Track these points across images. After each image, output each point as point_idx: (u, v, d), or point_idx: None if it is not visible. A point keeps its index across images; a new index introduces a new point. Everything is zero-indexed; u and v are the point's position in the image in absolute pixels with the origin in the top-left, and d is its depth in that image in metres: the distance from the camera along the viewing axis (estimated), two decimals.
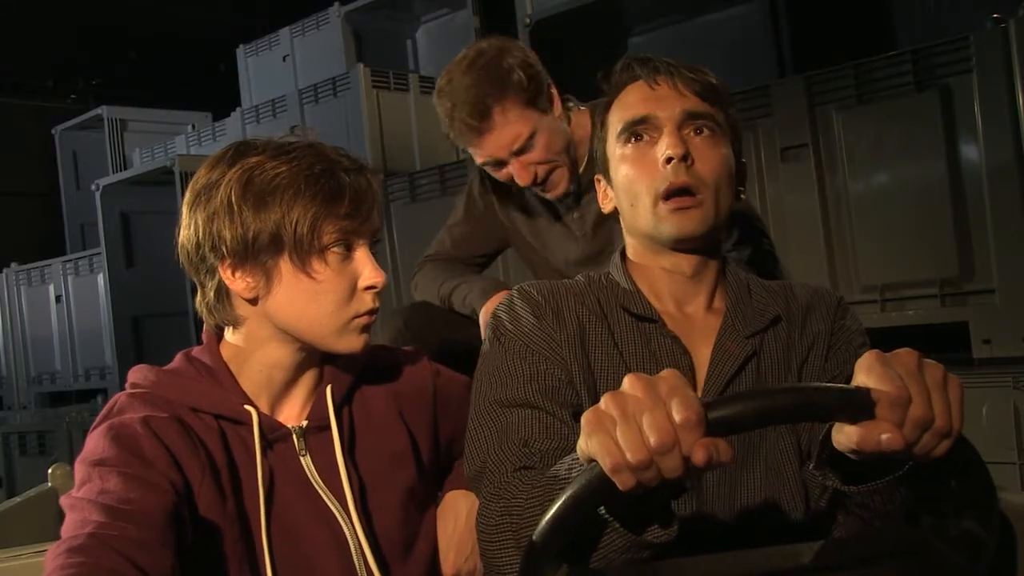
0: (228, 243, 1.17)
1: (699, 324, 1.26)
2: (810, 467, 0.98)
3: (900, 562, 0.89)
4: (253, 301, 1.22)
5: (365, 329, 1.25)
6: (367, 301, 1.23)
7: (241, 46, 5.13)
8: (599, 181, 1.34)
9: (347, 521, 1.24)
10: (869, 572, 0.88)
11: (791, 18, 3.34)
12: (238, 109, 4.79)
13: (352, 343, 1.24)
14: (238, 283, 1.20)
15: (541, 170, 1.95)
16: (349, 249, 1.21)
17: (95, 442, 1.15)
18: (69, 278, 5.49)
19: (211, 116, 5.65)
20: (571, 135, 1.99)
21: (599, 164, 1.33)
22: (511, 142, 1.91)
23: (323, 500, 1.24)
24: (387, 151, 4.09)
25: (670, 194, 1.18)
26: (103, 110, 5.85)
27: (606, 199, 1.33)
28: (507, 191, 2.19)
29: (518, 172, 1.95)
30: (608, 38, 3.79)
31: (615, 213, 1.32)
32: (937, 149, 2.47)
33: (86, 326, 5.41)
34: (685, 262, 1.25)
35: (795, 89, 2.67)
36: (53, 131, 6.25)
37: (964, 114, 2.43)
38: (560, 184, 1.99)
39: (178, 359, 1.28)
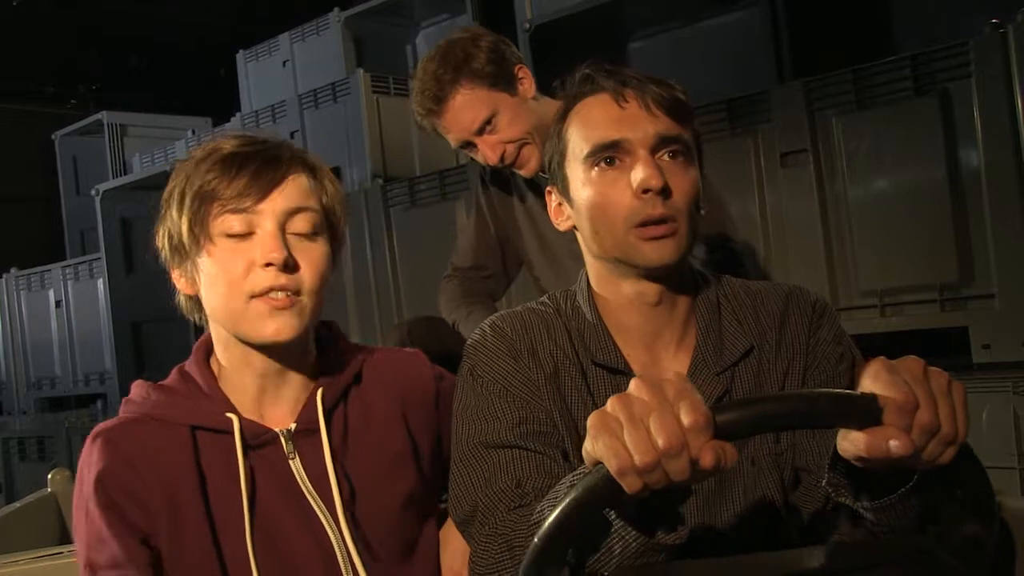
0: (164, 246, 1.25)
1: (668, 363, 1.22)
2: (823, 483, 0.97)
3: (901, 568, 0.89)
4: (197, 298, 1.26)
5: (277, 312, 1.18)
6: (265, 277, 1.17)
7: (241, 51, 5.14)
8: (550, 194, 1.28)
9: (334, 526, 1.23)
10: None
11: (790, 23, 3.34)
12: (238, 114, 4.79)
13: (260, 330, 1.19)
14: (180, 282, 1.26)
15: (509, 148, 2.01)
16: (249, 232, 1.19)
17: (79, 517, 1.21)
18: (69, 283, 5.49)
19: (211, 121, 5.66)
20: (545, 116, 2.02)
21: (554, 177, 1.26)
22: (469, 123, 2.00)
23: (310, 504, 1.24)
24: (387, 156, 4.09)
25: (648, 222, 1.14)
26: (103, 115, 5.86)
27: (561, 216, 1.26)
28: (506, 188, 2.22)
29: (484, 151, 2.02)
30: (608, 43, 3.79)
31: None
32: (936, 154, 2.47)
33: (86, 331, 5.42)
34: (651, 292, 1.20)
35: (794, 94, 2.67)
36: (53, 136, 6.25)
37: (963, 119, 2.43)
38: (531, 161, 2.04)
39: (172, 374, 1.30)
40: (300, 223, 1.21)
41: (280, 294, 1.18)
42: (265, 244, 1.18)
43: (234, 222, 1.19)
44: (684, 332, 1.23)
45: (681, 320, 1.23)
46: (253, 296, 1.18)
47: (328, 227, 1.26)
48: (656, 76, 1.20)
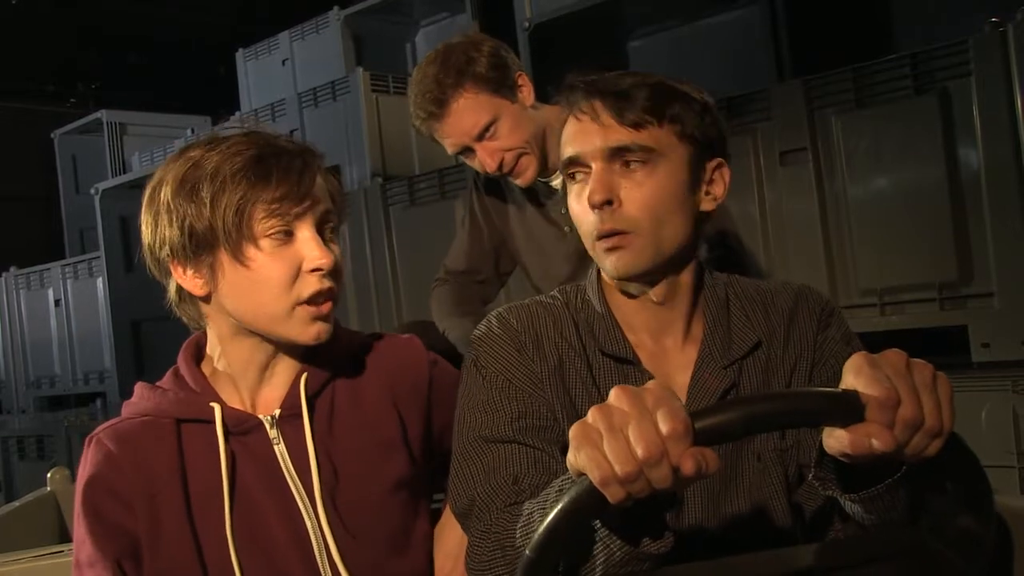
0: (172, 242, 1.19)
1: (676, 355, 1.22)
2: (810, 477, 0.97)
3: (898, 563, 0.89)
4: (207, 298, 1.23)
5: (319, 319, 1.21)
6: (312, 283, 1.19)
7: (240, 50, 5.14)
8: None
9: (310, 509, 1.24)
10: (867, 574, 0.88)
11: (790, 22, 3.34)
12: (237, 113, 4.79)
13: (302, 333, 1.21)
14: (189, 281, 1.22)
15: (508, 156, 1.99)
16: (290, 234, 1.19)
17: (75, 519, 1.23)
18: (68, 282, 5.50)
19: (210, 120, 5.66)
20: (543, 124, 2.01)
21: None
22: (470, 128, 1.96)
23: (290, 489, 1.25)
24: (386, 155, 4.09)
25: (601, 236, 1.15)
26: (102, 114, 5.86)
27: None
28: (500, 194, 2.21)
29: (483, 158, 1.99)
30: (607, 42, 3.80)
31: None
32: (936, 153, 2.47)
33: (85, 330, 5.42)
34: (651, 291, 1.20)
35: (794, 93, 2.67)
36: (52, 135, 6.26)
37: (963, 118, 2.43)
38: (528, 170, 2.02)
39: (167, 375, 1.31)
40: (329, 225, 1.23)
41: (326, 300, 1.21)
42: (311, 250, 1.18)
43: (278, 226, 1.18)
44: (692, 326, 1.24)
45: (688, 315, 1.23)
46: (300, 302, 1.19)
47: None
48: (628, 80, 1.17)
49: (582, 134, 1.16)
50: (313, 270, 1.19)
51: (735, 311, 1.25)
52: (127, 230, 5.18)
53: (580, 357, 1.22)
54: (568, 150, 1.18)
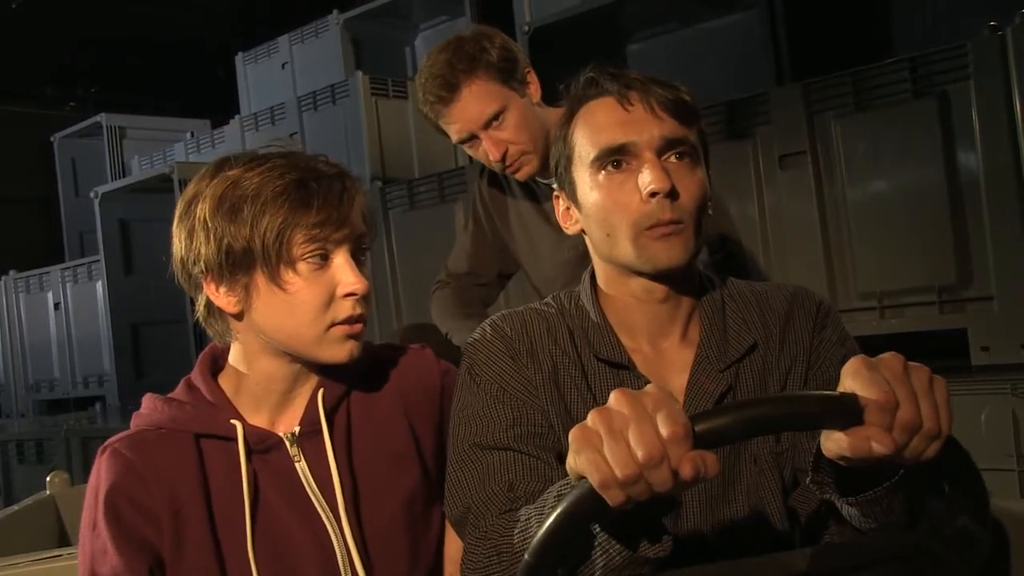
0: (206, 259, 1.19)
1: (672, 358, 1.22)
2: (807, 481, 0.97)
3: (896, 566, 0.89)
4: (239, 315, 1.22)
5: (351, 337, 1.22)
6: (346, 308, 1.20)
7: (240, 53, 5.14)
8: (558, 199, 1.27)
9: (335, 524, 1.24)
10: None
11: (789, 25, 3.34)
12: (237, 116, 4.80)
13: (335, 353, 1.22)
14: (222, 299, 1.21)
15: (512, 149, 1.99)
16: (326, 257, 1.20)
17: (86, 531, 1.22)
18: (68, 285, 5.50)
19: (210, 123, 5.66)
20: (547, 124, 2.01)
21: (561, 181, 1.26)
22: (478, 115, 1.96)
23: (313, 505, 1.24)
24: (386, 158, 4.09)
25: (658, 225, 1.13)
26: (102, 117, 5.87)
27: (569, 220, 1.26)
28: (502, 197, 2.22)
29: (488, 146, 1.99)
30: (607, 45, 3.79)
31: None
32: (935, 156, 2.47)
33: (85, 333, 5.42)
34: (659, 289, 1.20)
35: (793, 96, 2.67)
36: (52, 138, 6.27)
37: (962, 121, 2.43)
38: (528, 165, 2.02)
39: (180, 386, 1.30)
40: (362, 248, 1.24)
41: (358, 321, 1.22)
42: (347, 275, 1.19)
43: (317, 250, 1.18)
44: (688, 329, 1.23)
45: (686, 317, 1.23)
46: (336, 324, 1.20)
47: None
48: (660, 78, 1.19)
49: (633, 122, 1.15)
50: (347, 295, 1.20)
51: (731, 313, 1.25)
52: (127, 233, 5.19)
53: (575, 363, 1.22)
54: (614, 137, 1.15)
